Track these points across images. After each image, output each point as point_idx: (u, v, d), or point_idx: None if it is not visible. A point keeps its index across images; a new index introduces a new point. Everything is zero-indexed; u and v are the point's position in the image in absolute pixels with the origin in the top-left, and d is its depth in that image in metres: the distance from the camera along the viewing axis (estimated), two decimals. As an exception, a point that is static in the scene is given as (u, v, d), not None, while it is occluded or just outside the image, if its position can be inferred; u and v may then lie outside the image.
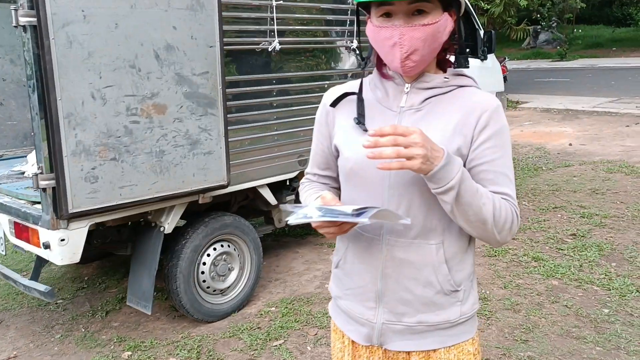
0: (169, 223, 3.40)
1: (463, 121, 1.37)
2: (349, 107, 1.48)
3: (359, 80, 1.51)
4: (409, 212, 1.38)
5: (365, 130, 1.43)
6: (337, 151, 1.51)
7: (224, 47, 3.33)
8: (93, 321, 3.90)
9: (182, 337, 3.61)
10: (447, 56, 1.46)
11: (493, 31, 5.70)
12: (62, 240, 2.91)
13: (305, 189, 1.61)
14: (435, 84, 1.41)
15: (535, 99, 13.86)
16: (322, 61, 4.28)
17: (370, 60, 1.50)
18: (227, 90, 3.42)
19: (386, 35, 1.31)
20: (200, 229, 3.63)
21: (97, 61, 2.83)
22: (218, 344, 3.52)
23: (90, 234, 3.28)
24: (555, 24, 25.43)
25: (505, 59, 14.76)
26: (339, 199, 1.50)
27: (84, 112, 2.82)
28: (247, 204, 4.33)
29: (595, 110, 11.79)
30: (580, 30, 26.88)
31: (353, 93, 1.49)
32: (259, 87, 3.79)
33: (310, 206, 1.31)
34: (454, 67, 1.47)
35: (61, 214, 2.83)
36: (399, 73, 1.38)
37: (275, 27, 3.69)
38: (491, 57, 5.82)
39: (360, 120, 1.44)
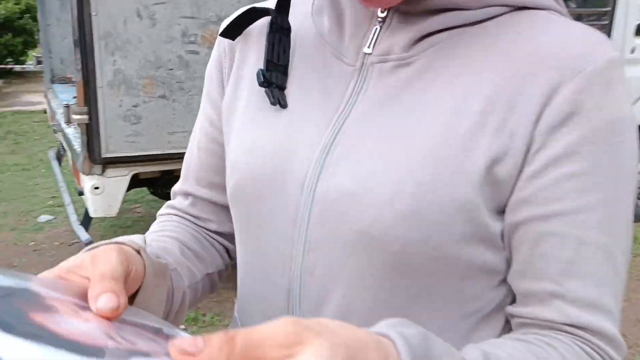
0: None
1: (509, 95, 0.45)
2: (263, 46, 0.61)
3: None
4: (348, 313, 0.52)
5: (280, 105, 0.57)
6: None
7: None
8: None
9: (248, 319, 3.02)
10: None
11: None
12: (96, 188, 2.42)
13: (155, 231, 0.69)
14: None
15: None
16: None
17: None
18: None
19: None
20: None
21: (146, -32, 2.22)
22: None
23: (155, 180, 2.80)
24: None
25: None
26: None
27: (126, 33, 2.24)
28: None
29: None
30: None
31: (264, 12, 0.61)
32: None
33: None
34: None
35: (94, 158, 2.34)
36: None
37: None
38: None
39: (266, 79, 0.58)
